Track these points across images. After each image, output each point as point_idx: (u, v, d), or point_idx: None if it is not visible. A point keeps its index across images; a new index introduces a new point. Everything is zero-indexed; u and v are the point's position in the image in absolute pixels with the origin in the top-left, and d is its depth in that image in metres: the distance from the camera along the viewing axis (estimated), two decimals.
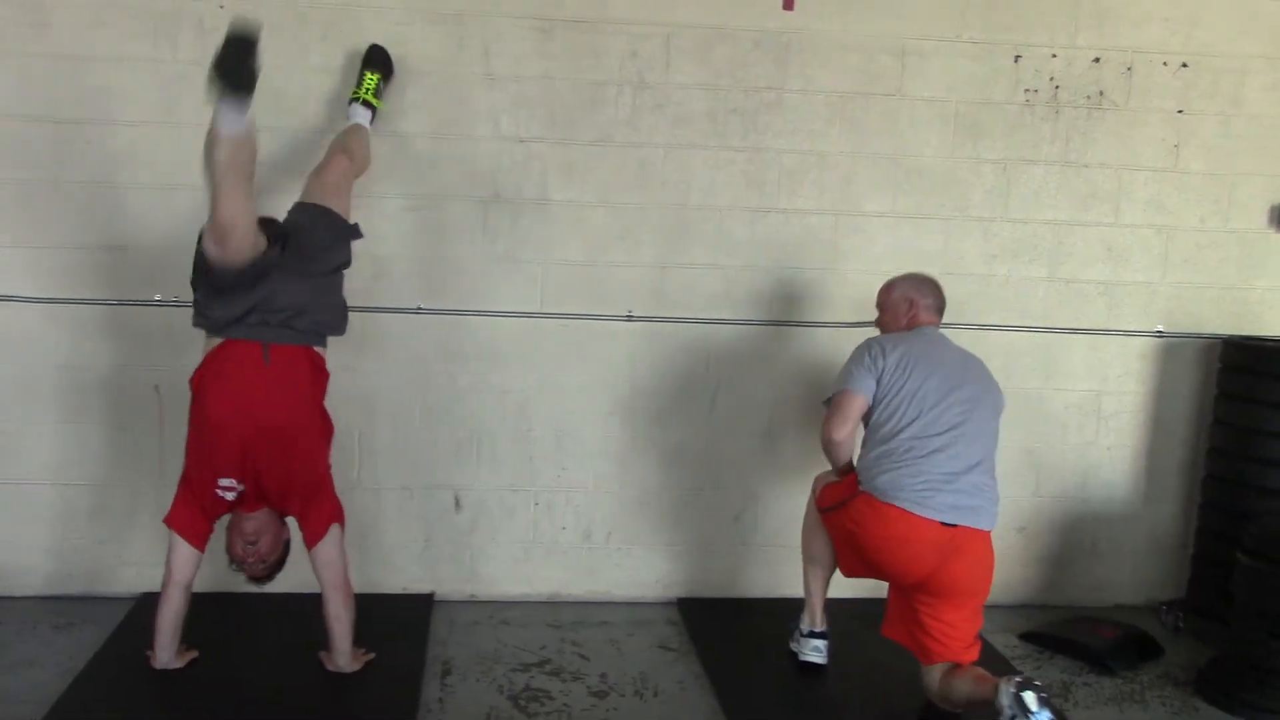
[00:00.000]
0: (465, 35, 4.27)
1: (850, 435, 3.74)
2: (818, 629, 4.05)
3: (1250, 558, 4.03)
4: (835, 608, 4.12)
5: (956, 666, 3.63)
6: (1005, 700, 3.28)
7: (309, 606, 3.83)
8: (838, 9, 4.41)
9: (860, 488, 3.67)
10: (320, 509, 3.67)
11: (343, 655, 3.77)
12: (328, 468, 3.75)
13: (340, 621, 3.74)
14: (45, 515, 4.39)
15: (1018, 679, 3.31)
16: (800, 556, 4.09)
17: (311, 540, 3.66)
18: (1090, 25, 4.51)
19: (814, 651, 4.04)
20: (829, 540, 3.95)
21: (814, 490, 4.02)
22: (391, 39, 4.24)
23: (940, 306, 3.95)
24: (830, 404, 3.78)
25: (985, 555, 3.66)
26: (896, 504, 3.55)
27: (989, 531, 3.63)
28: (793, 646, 4.11)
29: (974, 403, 3.69)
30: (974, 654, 3.70)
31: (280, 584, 3.86)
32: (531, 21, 4.28)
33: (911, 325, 3.89)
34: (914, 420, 3.62)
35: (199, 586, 3.79)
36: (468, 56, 4.28)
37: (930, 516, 3.52)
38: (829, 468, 3.94)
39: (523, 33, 4.29)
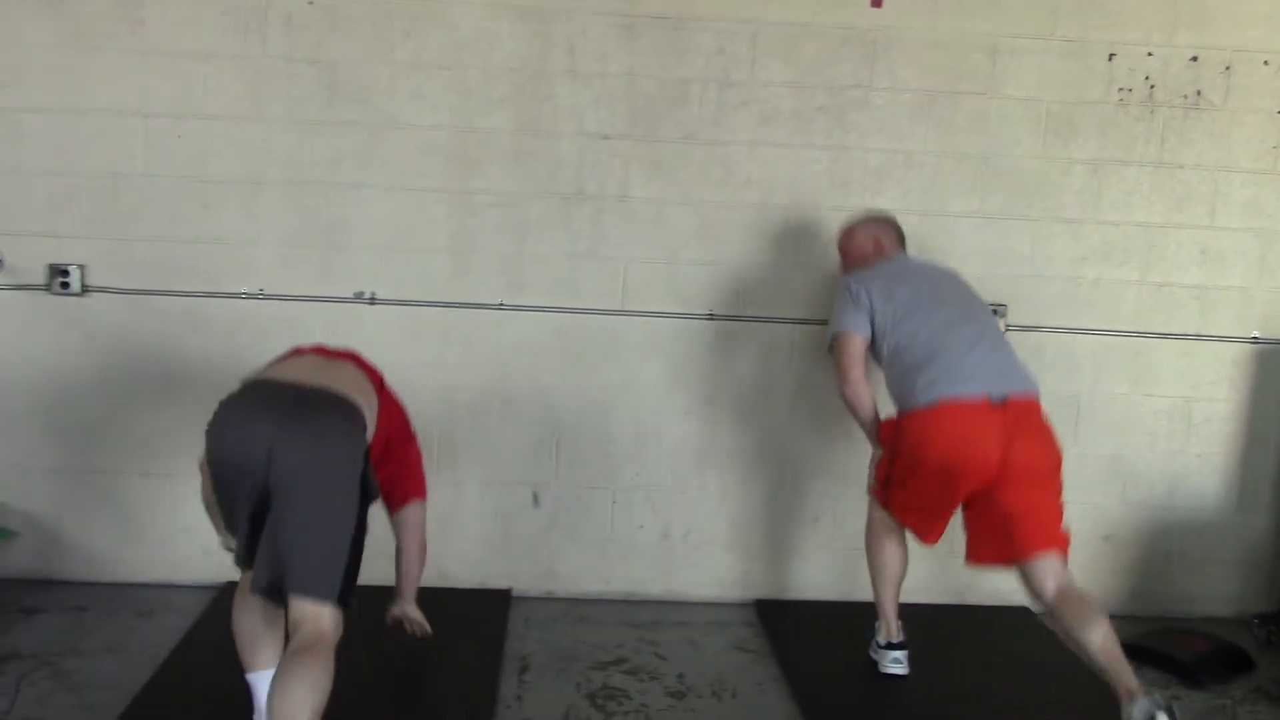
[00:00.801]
0: (550, 31, 4.27)
1: (862, 375, 3.83)
2: (895, 639, 3.99)
3: None
4: (912, 614, 4.07)
5: (1091, 609, 3.52)
6: (1138, 714, 3.22)
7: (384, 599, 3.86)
8: (927, 6, 4.35)
9: (902, 419, 3.71)
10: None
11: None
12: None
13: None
14: (130, 503, 4.46)
15: (1159, 696, 3.26)
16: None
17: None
18: (1188, 23, 4.41)
19: (894, 663, 3.97)
20: (895, 547, 3.93)
21: (871, 499, 3.98)
22: (478, 35, 4.26)
23: (903, 240, 4.10)
24: (833, 353, 3.87)
25: (1045, 427, 3.68)
26: (942, 398, 3.58)
27: (1038, 402, 3.67)
28: (872, 656, 4.05)
29: (959, 292, 3.88)
30: (1066, 540, 3.67)
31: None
32: (616, 18, 4.27)
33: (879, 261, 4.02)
34: (919, 328, 3.71)
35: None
36: (552, 53, 4.28)
37: (976, 392, 3.57)
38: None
39: (607, 29, 4.28)
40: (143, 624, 4.16)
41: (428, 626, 3.88)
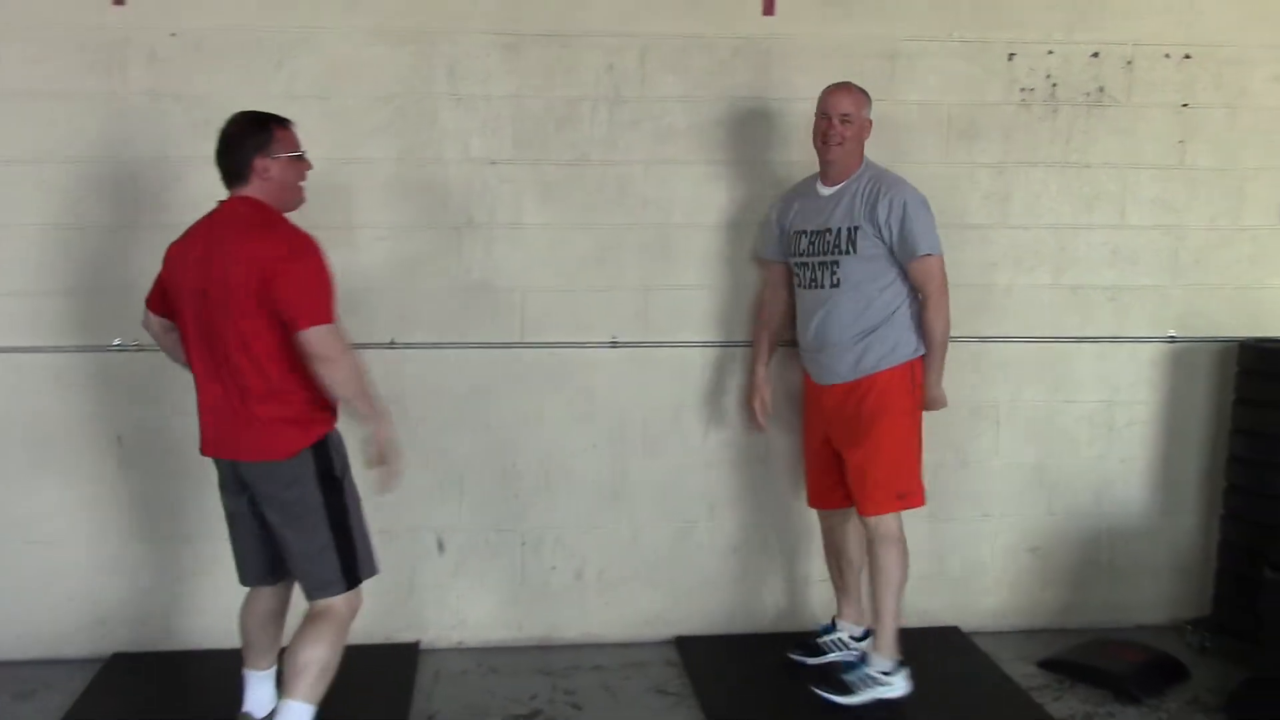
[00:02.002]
0: (429, 54, 4.07)
1: None
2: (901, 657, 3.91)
3: (1278, 572, 3.81)
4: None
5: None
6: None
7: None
8: (820, 12, 4.20)
9: (915, 365, 3.84)
10: None
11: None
12: None
13: None
14: (6, 575, 4.17)
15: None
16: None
17: None
18: (1086, 19, 4.30)
19: (906, 681, 3.88)
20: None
21: (875, 516, 3.85)
22: (354, 62, 4.05)
23: None
24: (926, 274, 3.75)
25: None
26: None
27: None
28: (865, 682, 3.86)
29: None
30: None
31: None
32: (498, 37, 4.08)
33: None
34: None
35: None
36: (433, 76, 4.08)
37: None
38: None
39: (489, 49, 4.08)
40: (20, 706, 3.88)
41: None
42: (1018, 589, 4.53)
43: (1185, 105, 4.38)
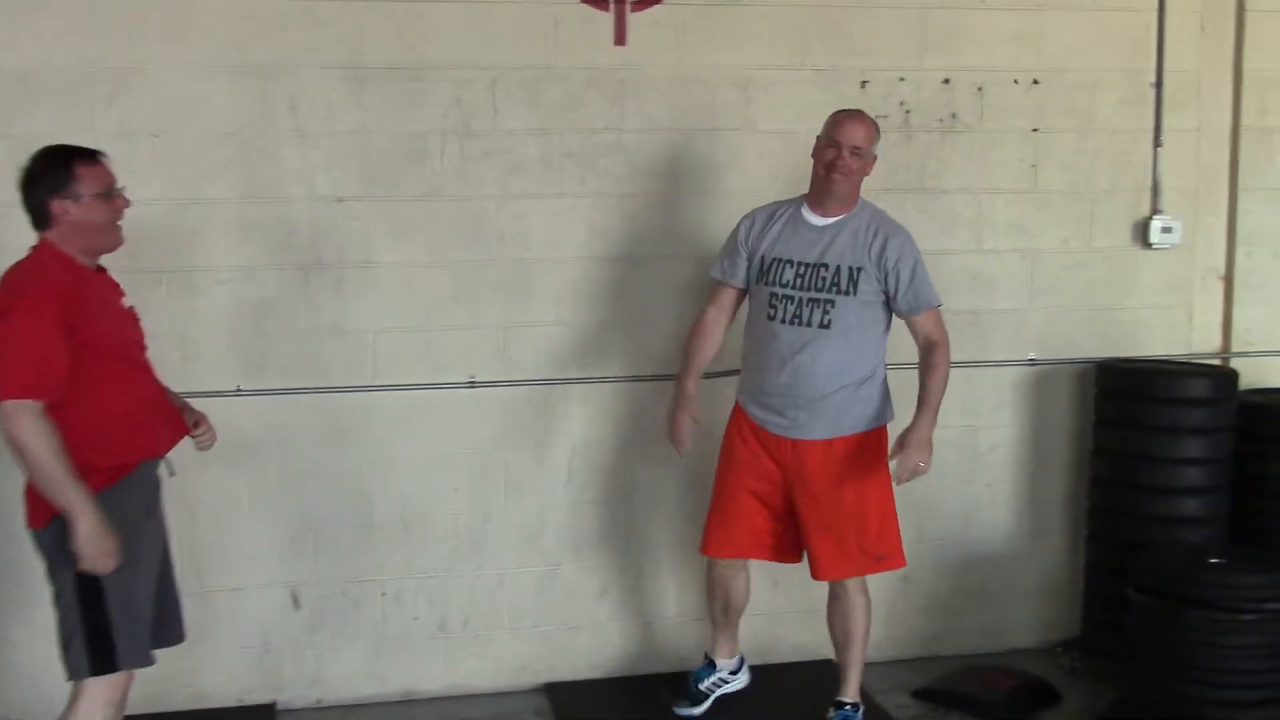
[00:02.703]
0: (269, 90, 3.91)
1: None
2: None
3: (1140, 593, 3.84)
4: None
5: None
6: None
7: None
8: (673, 42, 4.15)
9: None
10: None
11: None
12: None
13: None
14: None
15: None
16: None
17: None
18: (937, 46, 4.33)
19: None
20: None
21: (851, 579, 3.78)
22: (190, 98, 3.87)
23: None
24: (939, 322, 3.68)
25: None
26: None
27: None
28: None
29: None
30: None
31: None
32: (341, 71, 3.94)
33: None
34: None
35: None
36: (274, 112, 3.92)
37: None
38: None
39: (333, 84, 3.94)
40: None
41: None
42: (891, 618, 4.48)
43: (1036, 130, 4.43)
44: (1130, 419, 4.29)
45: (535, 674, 4.32)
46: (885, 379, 3.70)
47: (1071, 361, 4.56)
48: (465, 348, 4.13)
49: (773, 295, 3.62)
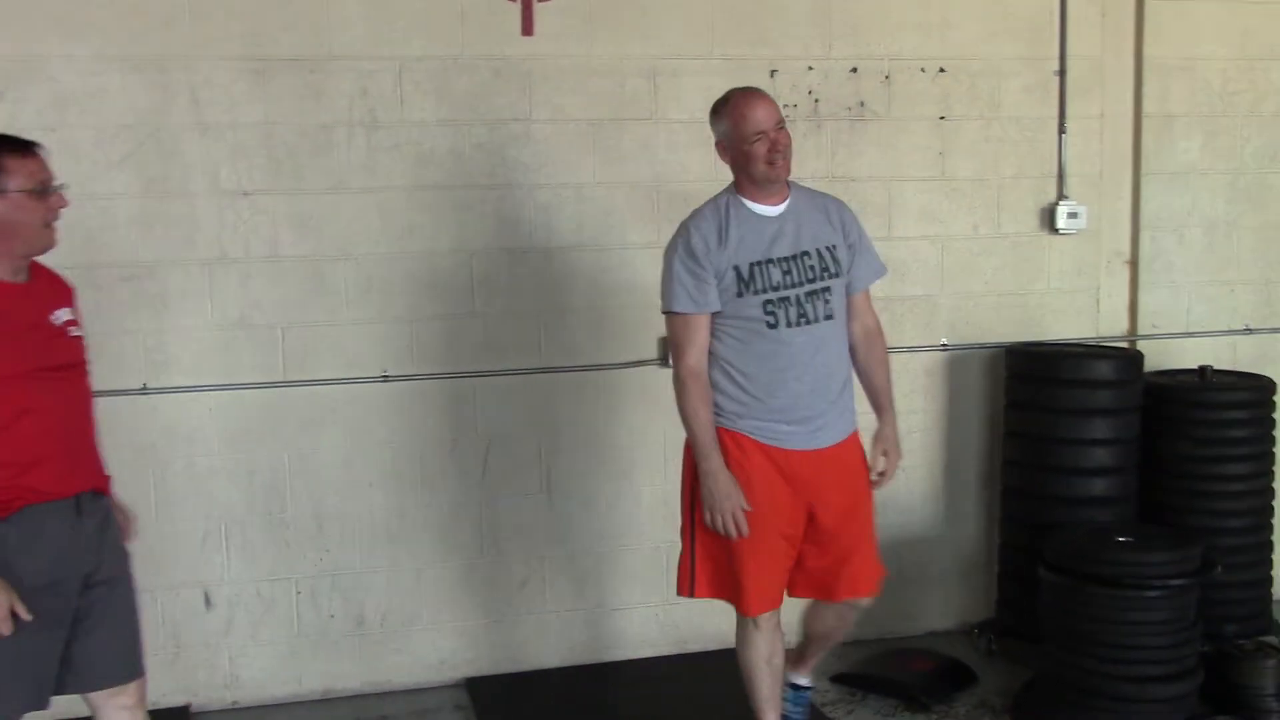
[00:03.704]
0: (168, 82, 3.85)
1: None
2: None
3: (1051, 572, 3.88)
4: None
5: None
6: None
7: None
8: (581, 32, 4.15)
9: None
10: None
11: None
12: None
13: None
14: None
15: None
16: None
17: None
18: (844, 35, 4.36)
19: None
20: None
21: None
22: (85, 91, 3.80)
23: None
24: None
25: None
26: None
27: None
28: None
29: None
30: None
31: None
32: (242, 63, 3.89)
33: None
34: None
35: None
36: (174, 105, 3.86)
37: None
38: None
39: (234, 75, 3.89)
40: None
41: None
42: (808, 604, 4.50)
43: (943, 118, 4.48)
44: (1039, 401, 4.35)
45: (456, 668, 4.28)
46: None
47: (983, 346, 4.62)
48: (376, 341, 4.10)
49: (767, 303, 3.18)
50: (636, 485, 4.33)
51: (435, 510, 4.22)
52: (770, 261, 3.19)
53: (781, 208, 3.26)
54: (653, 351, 4.22)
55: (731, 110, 3.23)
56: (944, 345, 4.58)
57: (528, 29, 4.10)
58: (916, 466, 4.62)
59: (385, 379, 4.10)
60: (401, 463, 4.17)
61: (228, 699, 4.11)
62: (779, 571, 3.33)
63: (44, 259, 2.83)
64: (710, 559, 3.32)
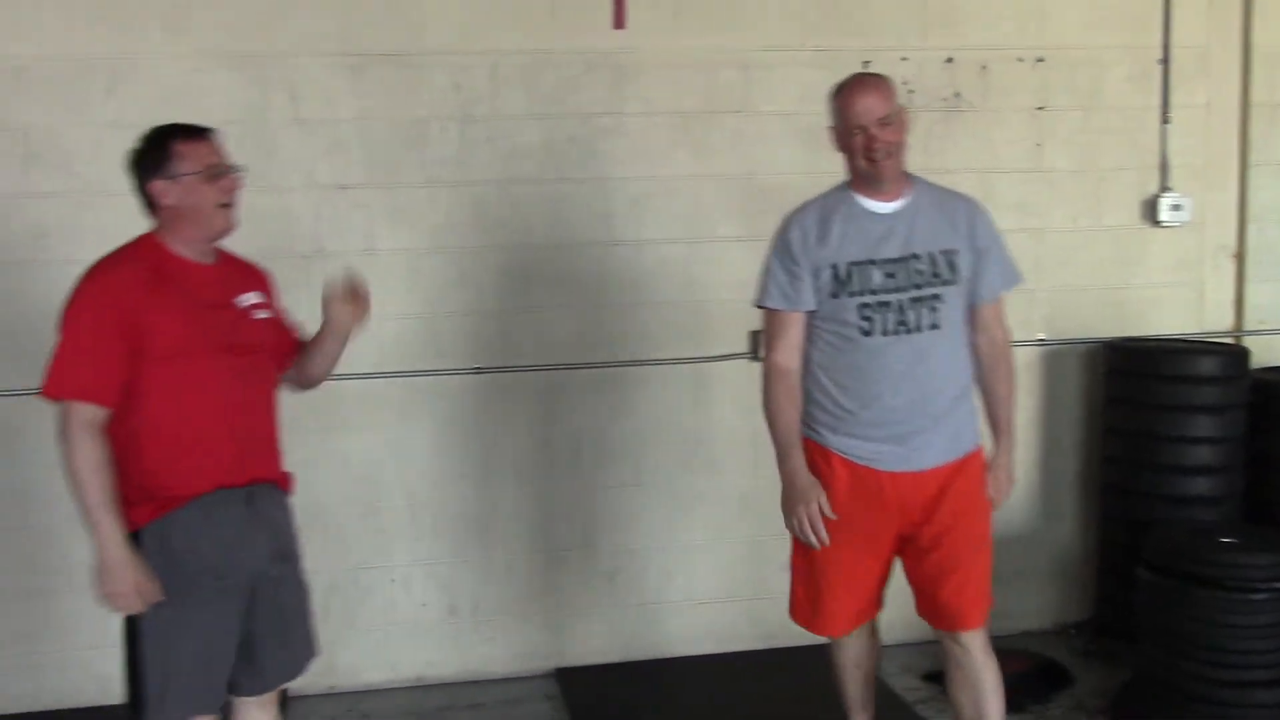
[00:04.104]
0: (267, 78, 3.93)
1: None
2: None
3: (1151, 572, 3.79)
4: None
5: None
6: None
7: None
8: (673, 24, 4.15)
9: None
10: None
11: None
12: None
13: None
14: None
15: None
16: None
17: None
18: (939, 25, 4.30)
19: None
20: None
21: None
22: (187, 88, 3.89)
23: None
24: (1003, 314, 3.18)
25: None
26: None
27: None
28: None
29: None
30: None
31: None
32: (339, 59, 3.96)
33: None
34: None
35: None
36: (272, 101, 3.94)
37: None
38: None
39: (331, 71, 3.96)
40: None
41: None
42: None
43: (1041, 108, 4.40)
44: (1141, 398, 4.25)
45: (546, 659, 4.31)
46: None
47: (1082, 341, 4.53)
48: (469, 334, 4.14)
49: (864, 306, 2.96)
50: (726, 480, 4.32)
51: (526, 502, 4.25)
52: (872, 262, 2.95)
53: (895, 205, 3.01)
54: (743, 345, 4.19)
55: (840, 98, 3.03)
56: (1041, 340, 4.50)
57: (619, 22, 4.11)
58: (1013, 463, 4.54)
59: (478, 371, 4.14)
60: (493, 454, 4.21)
61: (324, 684, 4.17)
62: (862, 591, 3.17)
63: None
64: (800, 581, 3.21)
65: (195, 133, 2.76)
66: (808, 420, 3.08)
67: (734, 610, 4.39)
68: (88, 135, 3.86)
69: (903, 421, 2.97)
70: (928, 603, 3.19)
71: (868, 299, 2.95)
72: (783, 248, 3.06)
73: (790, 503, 3.06)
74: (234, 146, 3.90)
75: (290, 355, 3.01)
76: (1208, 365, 4.21)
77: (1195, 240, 4.59)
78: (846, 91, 3.02)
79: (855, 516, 3.02)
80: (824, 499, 3.00)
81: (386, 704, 4.11)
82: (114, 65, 3.84)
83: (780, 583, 4.36)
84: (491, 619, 4.28)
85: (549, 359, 4.19)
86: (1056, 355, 4.53)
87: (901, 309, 2.95)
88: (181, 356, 2.64)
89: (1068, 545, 4.63)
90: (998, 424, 3.18)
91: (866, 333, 2.95)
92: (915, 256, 2.96)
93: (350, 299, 3.00)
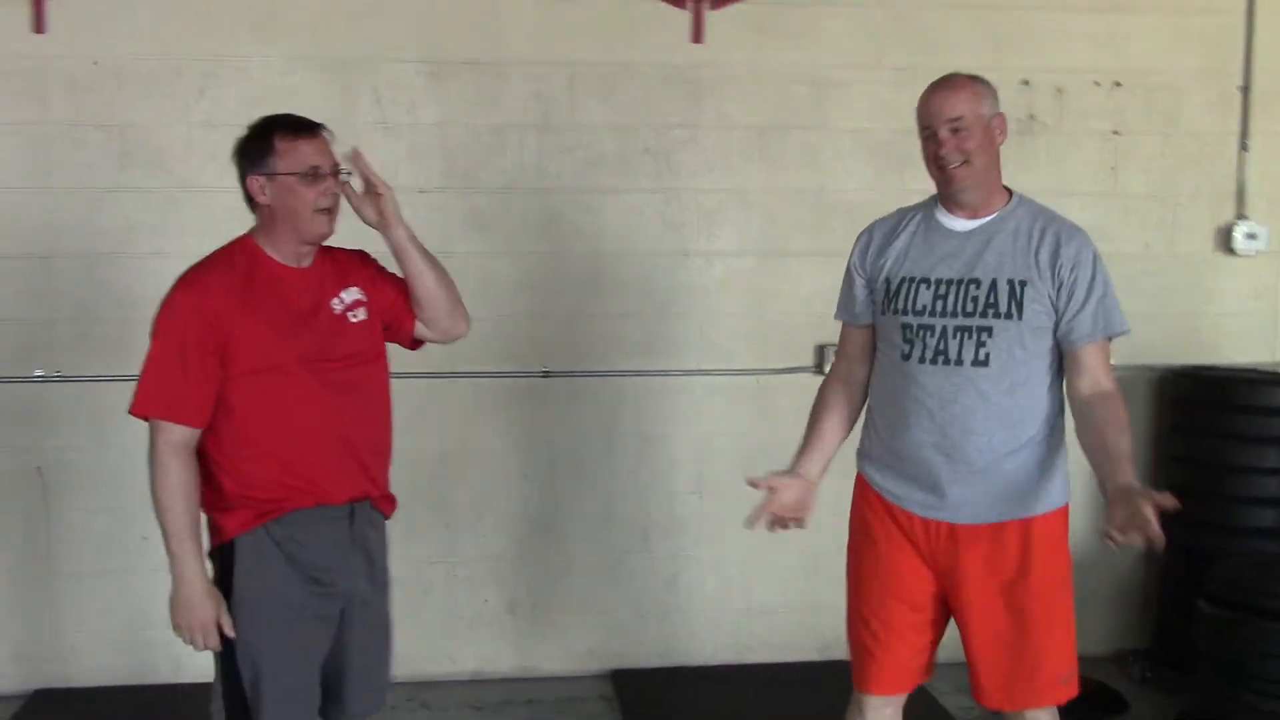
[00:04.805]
0: (354, 83, 4.05)
1: None
2: None
3: (1212, 604, 3.77)
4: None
5: None
6: None
7: None
8: (750, 40, 4.21)
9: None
10: None
11: None
12: None
13: None
14: None
15: None
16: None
17: None
18: (1015, 47, 4.31)
19: None
20: None
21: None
22: (277, 90, 4.01)
23: None
24: (1107, 360, 2.76)
25: None
26: None
27: None
28: None
29: None
30: None
31: None
32: (423, 65, 4.07)
33: None
34: None
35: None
36: (358, 105, 4.06)
37: None
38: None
39: (414, 77, 4.08)
40: None
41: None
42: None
43: (1116, 132, 4.39)
44: (1209, 427, 4.23)
45: (602, 660, 4.39)
46: (1063, 439, 2.82)
47: (1150, 367, 4.51)
48: (539, 338, 4.23)
49: (905, 327, 2.70)
50: None
51: (589, 504, 4.33)
52: (924, 281, 2.69)
53: (974, 223, 2.71)
54: (809, 359, 4.24)
55: (920, 98, 2.74)
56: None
57: (697, 37, 4.18)
58: (1075, 489, 4.51)
59: (546, 374, 4.23)
60: (558, 456, 4.29)
61: None
62: (905, 643, 2.82)
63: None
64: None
65: (301, 129, 2.57)
66: (860, 451, 2.90)
67: (790, 621, 4.42)
68: (179, 134, 4.01)
69: (929, 466, 2.69)
70: (970, 673, 2.84)
71: (910, 319, 2.69)
72: (852, 257, 2.89)
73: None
74: None
75: (411, 317, 2.83)
76: (1278, 396, 4.18)
77: (1270, 269, 4.55)
78: (926, 91, 2.73)
79: (892, 552, 2.78)
80: (773, 484, 2.80)
81: (445, 696, 4.20)
82: (206, 67, 3.98)
83: (836, 596, 4.41)
84: (550, 617, 4.36)
85: (615, 365, 4.26)
86: (1123, 381, 4.42)
87: (940, 335, 2.66)
88: (271, 370, 2.50)
89: (1129, 572, 4.60)
90: (1117, 466, 2.60)
91: (905, 355, 2.70)
92: (974, 281, 2.66)
93: (367, 197, 2.71)
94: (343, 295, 2.66)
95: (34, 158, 3.96)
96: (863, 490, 2.87)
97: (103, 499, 4.07)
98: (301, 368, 2.53)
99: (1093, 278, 2.70)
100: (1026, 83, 4.33)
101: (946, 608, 2.81)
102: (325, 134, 2.60)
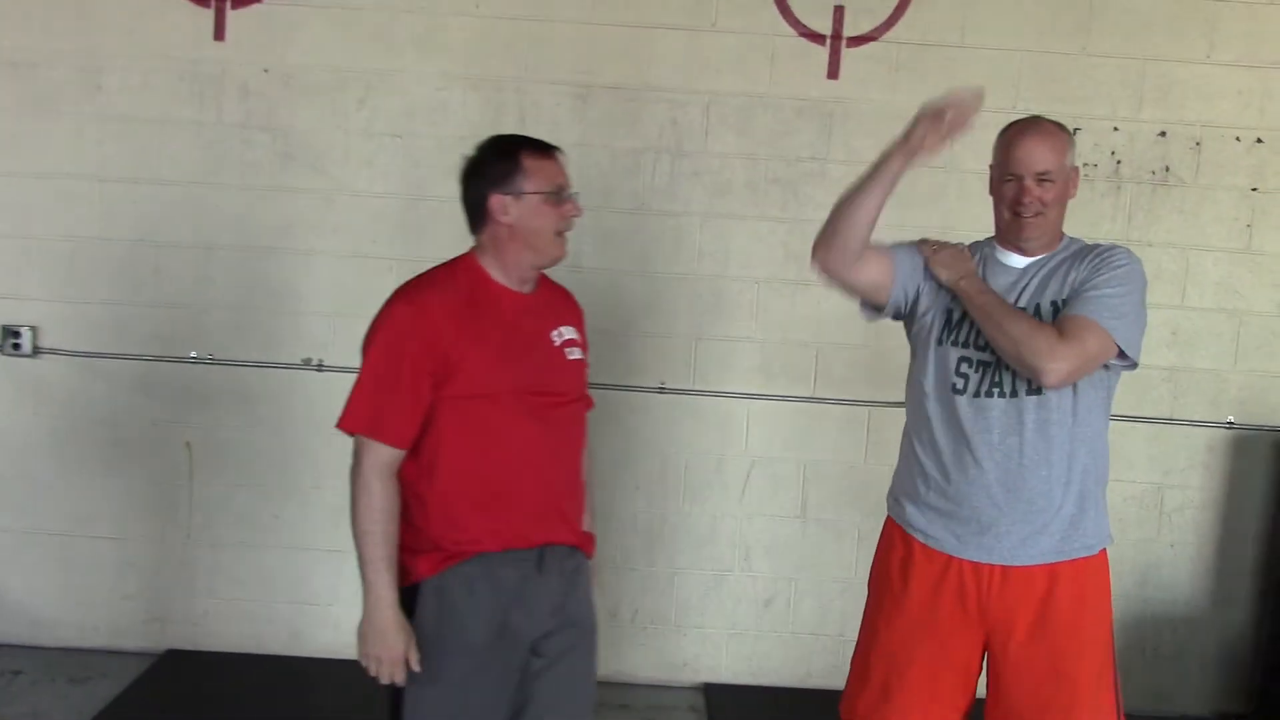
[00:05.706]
0: (502, 101, 4.26)
1: None
2: None
3: None
4: None
5: None
6: None
7: None
8: (885, 79, 4.28)
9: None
10: None
11: None
12: None
13: None
14: (74, 567, 4.42)
15: None
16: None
17: None
18: (1155, 98, 4.29)
19: None
20: None
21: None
22: (430, 104, 4.26)
23: None
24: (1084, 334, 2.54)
25: None
26: None
27: None
28: None
29: None
30: None
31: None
32: (569, 87, 4.26)
33: None
34: None
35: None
36: (504, 122, 4.25)
37: None
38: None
39: (560, 98, 4.26)
40: (73, 691, 4.11)
41: None
42: None
43: (1255, 189, 4.33)
44: None
45: (695, 672, 4.50)
46: (1108, 475, 2.82)
47: (1273, 429, 4.43)
48: (658, 354, 4.37)
49: (964, 360, 2.66)
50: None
51: (695, 520, 4.45)
52: None
53: (1033, 260, 2.72)
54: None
55: (1004, 137, 2.75)
56: (1230, 423, 4.42)
57: (833, 72, 4.28)
58: (1186, 544, 4.49)
59: (662, 390, 4.37)
60: (668, 471, 4.42)
61: None
62: (929, 695, 2.71)
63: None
64: (855, 676, 2.89)
65: (545, 149, 2.56)
66: (896, 493, 2.83)
67: None
68: (338, 140, 4.27)
69: (985, 505, 2.61)
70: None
71: (970, 353, 2.65)
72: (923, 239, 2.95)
73: None
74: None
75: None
76: None
77: None
78: (1013, 132, 2.72)
79: (923, 612, 2.68)
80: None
81: None
82: (368, 78, 4.24)
83: None
84: (648, 627, 4.49)
85: (731, 386, 4.38)
86: (1246, 440, 4.45)
87: (997, 369, 2.61)
88: (485, 398, 2.43)
89: (1237, 634, 4.52)
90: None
91: (957, 389, 2.64)
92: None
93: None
94: (561, 330, 2.63)
95: (206, 155, 4.27)
96: (892, 539, 2.81)
97: (243, 476, 4.36)
98: (513, 397, 2.46)
99: (1113, 276, 2.62)
100: (1164, 134, 4.30)
101: (980, 668, 2.72)
102: (562, 155, 2.59)
